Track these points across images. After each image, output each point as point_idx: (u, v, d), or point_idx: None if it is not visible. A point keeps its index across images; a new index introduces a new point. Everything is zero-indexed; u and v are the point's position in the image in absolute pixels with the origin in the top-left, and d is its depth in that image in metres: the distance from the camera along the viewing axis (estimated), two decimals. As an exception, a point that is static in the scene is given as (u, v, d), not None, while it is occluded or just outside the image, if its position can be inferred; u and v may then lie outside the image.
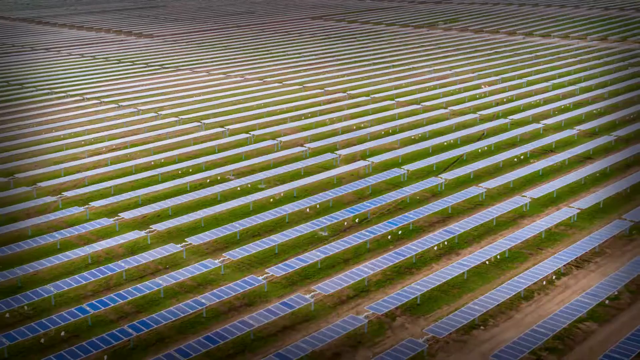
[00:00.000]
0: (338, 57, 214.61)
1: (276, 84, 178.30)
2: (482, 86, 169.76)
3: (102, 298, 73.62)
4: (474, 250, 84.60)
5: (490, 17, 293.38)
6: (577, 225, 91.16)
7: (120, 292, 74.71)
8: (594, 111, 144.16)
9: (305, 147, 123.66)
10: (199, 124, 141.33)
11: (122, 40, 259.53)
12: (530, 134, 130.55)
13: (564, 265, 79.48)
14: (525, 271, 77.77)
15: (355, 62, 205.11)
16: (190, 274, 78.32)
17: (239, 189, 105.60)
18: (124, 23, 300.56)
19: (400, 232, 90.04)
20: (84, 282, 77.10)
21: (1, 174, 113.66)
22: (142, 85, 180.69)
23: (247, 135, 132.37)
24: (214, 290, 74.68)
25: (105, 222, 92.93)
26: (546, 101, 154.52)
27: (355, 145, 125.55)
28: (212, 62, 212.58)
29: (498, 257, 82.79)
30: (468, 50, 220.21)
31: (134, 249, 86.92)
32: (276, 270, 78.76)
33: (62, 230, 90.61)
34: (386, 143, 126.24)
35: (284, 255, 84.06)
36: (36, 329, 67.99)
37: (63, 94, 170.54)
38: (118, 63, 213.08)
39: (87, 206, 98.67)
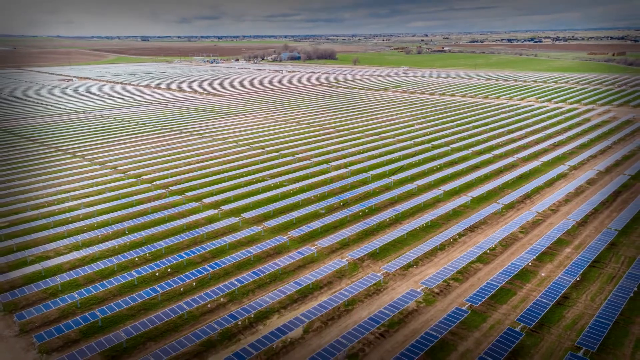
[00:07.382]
0: (330, 107, 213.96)
1: (294, 123, 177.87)
2: (415, 124, 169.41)
3: (192, 249, 73.74)
4: (410, 221, 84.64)
5: (419, 85, 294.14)
6: (471, 207, 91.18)
7: (202, 245, 74.82)
8: (480, 140, 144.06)
9: (311, 160, 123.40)
10: (248, 146, 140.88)
11: (203, 98, 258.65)
12: (443, 153, 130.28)
13: (462, 230, 79.67)
14: (440, 233, 78.08)
15: (340, 110, 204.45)
16: (244, 235, 78.35)
17: (272, 185, 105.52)
18: (204, 88, 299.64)
19: (367, 210, 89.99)
20: (182, 240, 77.21)
21: (133, 176, 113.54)
22: (215, 124, 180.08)
23: (277, 153, 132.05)
24: (258, 245, 74.72)
25: (194, 204, 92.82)
26: (453, 133, 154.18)
27: (340, 159, 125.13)
28: (256, 110, 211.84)
29: (424, 225, 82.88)
30: (406, 104, 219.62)
31: (211, 221, 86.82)
32: (294, 233, 78.77)
33: (169, 209, 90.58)
34: (358, 158, 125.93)
35: (299, 224, 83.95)
36: (153, 267, 68.09)
37: (168, 129, 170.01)
38: (201, 111, 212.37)
39: (183, 195, 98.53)
